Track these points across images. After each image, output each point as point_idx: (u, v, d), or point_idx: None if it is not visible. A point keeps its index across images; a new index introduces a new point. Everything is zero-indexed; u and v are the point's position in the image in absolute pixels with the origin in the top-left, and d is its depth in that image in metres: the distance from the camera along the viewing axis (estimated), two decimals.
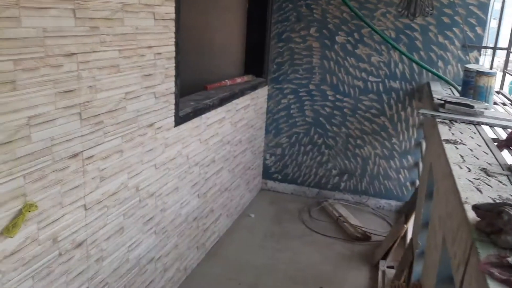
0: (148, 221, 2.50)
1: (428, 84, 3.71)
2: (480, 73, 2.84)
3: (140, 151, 2.33)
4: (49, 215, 1.75)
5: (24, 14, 1.52)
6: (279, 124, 4.46)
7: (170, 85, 2.53)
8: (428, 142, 2.71)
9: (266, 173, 4.61)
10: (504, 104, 3.12)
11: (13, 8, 1.48)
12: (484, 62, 4.07)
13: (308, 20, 4.15)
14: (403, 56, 3.94)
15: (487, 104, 2.68)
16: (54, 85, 1.69)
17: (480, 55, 3.85)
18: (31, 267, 1.70)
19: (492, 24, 4.22)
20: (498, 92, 3.51)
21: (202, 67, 3.92)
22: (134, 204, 2.34)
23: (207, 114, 3.09)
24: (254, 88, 3.99)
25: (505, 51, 3.86)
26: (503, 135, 2.28)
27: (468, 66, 3.06)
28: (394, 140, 4.17)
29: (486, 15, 3.73)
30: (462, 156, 1.82)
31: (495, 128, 2.42)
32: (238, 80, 3.91)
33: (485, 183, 1.51)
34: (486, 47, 3.98)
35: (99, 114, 1.96)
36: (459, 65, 3.86)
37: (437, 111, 2.61)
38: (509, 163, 1.77)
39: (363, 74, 4.10)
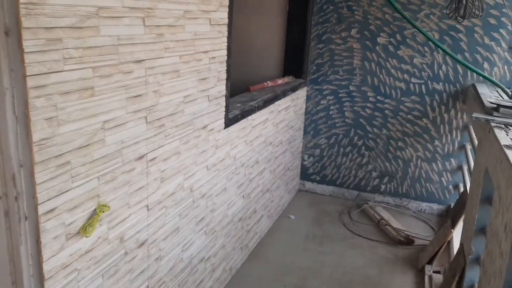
0: (199, 221, 2.55)
1: (474, 86, 3.67)
2: None
3: (195, 152, 2.38)
4: (117, 215, 1.81)
5: (103, 24, 1.58)
6: (318, 125, 4.46)
7: (221, 88, 2.57)
8: (481, 146, 2.67)
9: (304, 174, 4.62)
10: None
11: (93, 18, 1.53)
12: None
13: (349, 21, 4.14)
14: (447, 58, 3.90)
15: None
16: (125, 91, 1.75)
17: None
18: (101, 266, 1.76)
19: None
20: None
21: (244, 68, 3.96)
22: (188, 205, 2.39)
23: (253, 116, 3.12)
24: (294, 89, 4.00)
25: None
26: None
27: None
28: (436, 142, 4.12)
29: None
30: None
31: None
32: (279, 81, 3.93)
33: None
34: None
35: (161, 118, 2.02)
36: (505, 67, 3.79)
37: (491, 115, 2.58)
38: None
39: (405, 76, 4.07)
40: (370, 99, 4.23)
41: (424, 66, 4.00)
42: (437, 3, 3.81)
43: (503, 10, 3.67)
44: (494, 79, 3.61)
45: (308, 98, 4.45)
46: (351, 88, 4.27)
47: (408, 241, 3.69)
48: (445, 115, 4.05)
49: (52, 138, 1.46)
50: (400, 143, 4.24)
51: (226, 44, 2.55)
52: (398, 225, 3.89)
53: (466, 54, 3.86)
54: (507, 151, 1.96)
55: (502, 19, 3.71)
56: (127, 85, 1.75)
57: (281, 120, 3.79)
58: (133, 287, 1.99)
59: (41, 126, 1.41)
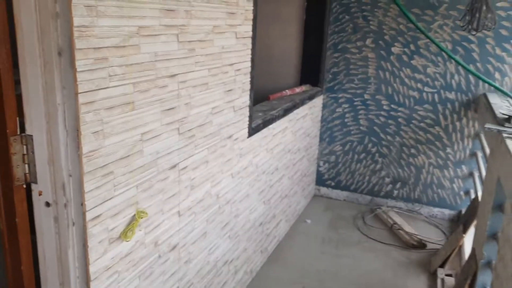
0: (224, 226, 2.68)
1: (485, 96, 3.76)
2: None
3: (221, 161, 2.51)
4: (153, 221, 1.94)
5: (143, 42, 1.71)
6: (333, 133, 4.58)
7: (245, 98, 2.70)
8: (494, 155, 2.77)
9: (319, 180, 4.74)
10: None
11: (135, 37, 1.67)
12: None
13: (364, 31, 4.26)
14: (460, 68, 4.00)
15: None
16: (160, 104, 1.88)
17: None
18: (139, 268, 1.89)
19: None
20: None
21: (263, 76, 4.08)
22: (215, 211, 2.52)
23: (273, 125, 3.25)
24: (311, 97, 4.12)
25: None
26: None
27: None
28: (448, 150, 4.22)
29: None
30: None
31: None
32: (297, 90, 4.05)
33: None
34: None
35: (191, 129, 2.15)
36: None
37: (503, 126, 2.68)
38: None
39: (419, 85, 4.17)
40: (384, 107, 4.34)
41: (437, 75, 4.10)
42: (450, 14, 3.91)
43: None
44: (504, 89, 3.71)
45: (324, 106, 4.57)
46: (366, 96, 4.39)
47: (420, 245, 3.79)
48: (457, 123, 4.14)
49: (98, 150, 1.59)
50: (413, 150, 4.34)
51: (250, 56, 2.68)
52: (411, 230, 3.99)
53: (478, 65, 3.95)
54: None
55: None
56: (162, 99, 1.88)
57: (299, 128, 3.92)
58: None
59: (89, 139, 1.54)
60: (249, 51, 2.66)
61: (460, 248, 3.48)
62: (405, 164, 4.40)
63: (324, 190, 4.75)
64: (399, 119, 4.31)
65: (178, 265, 2.21)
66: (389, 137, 4.38)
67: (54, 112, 1.51)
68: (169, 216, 2.07)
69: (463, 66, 3.78)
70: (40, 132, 1.54)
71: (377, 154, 4.47)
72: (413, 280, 3.35)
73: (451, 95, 4.11)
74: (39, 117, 1.52)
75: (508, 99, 3.63)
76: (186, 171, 2.16)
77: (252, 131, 2.86)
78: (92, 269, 1.65)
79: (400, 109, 4.29)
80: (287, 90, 3.90)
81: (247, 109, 2.74)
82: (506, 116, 2.76)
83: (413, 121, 4.27)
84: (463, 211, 4.20)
